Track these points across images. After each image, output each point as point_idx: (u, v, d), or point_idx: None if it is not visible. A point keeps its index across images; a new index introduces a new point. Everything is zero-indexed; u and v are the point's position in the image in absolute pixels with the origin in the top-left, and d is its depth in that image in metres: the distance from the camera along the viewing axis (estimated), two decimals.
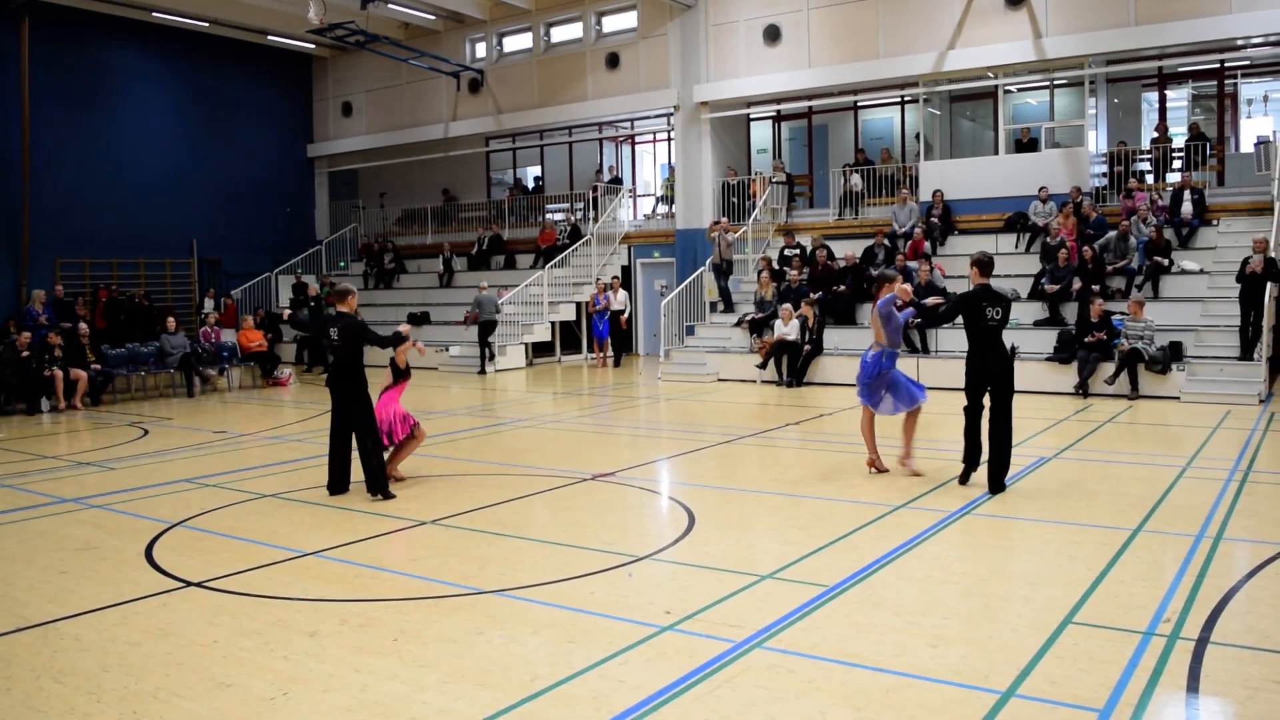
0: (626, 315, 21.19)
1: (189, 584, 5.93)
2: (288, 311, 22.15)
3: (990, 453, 7.90)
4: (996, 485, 7.87)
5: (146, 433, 12.66)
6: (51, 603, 5.66)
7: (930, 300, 10.00)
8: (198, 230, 25.34)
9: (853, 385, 15.59)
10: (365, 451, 8.09)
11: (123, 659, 4.73)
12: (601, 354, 21.01)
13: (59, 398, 15.05)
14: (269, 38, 26.00)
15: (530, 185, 26.75)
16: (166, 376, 17.39)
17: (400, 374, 8.71)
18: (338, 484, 8.27)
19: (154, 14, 23.62)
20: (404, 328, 8.81)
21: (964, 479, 8.16)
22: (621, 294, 21.02)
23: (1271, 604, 5.18)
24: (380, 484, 8.12)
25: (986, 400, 7.99)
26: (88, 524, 7.62)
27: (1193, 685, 4.16)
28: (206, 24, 24.59)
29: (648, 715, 3.98)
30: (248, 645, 4.87)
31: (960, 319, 8.17)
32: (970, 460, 8.16)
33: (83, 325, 17.10)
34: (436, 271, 24.98)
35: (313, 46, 26.98)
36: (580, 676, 4.37)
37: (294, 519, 7.66)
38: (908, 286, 9.22)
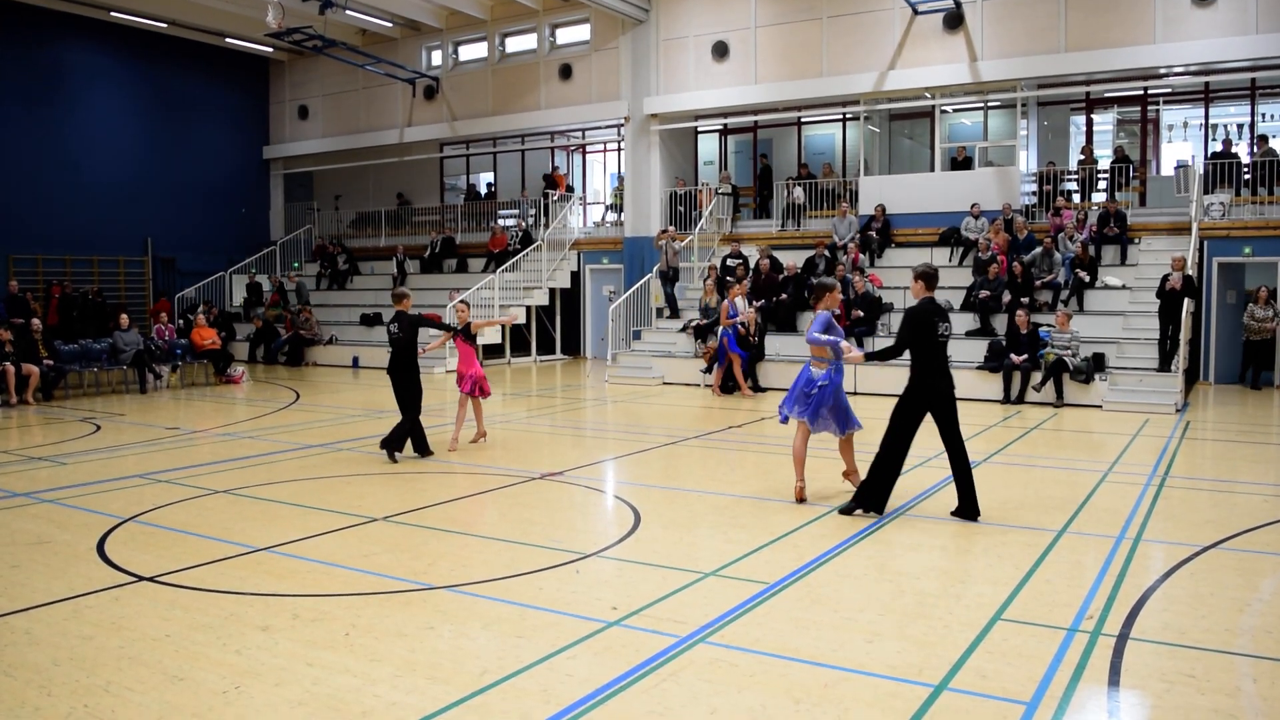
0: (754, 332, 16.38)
1: (141, 578, 5.89)
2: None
3: (964, 482, 7.28)
4: (975, 511, 7.26)
5: (99, 428, 12.43)
6: (2, 597, 5.58)
7: (881, 347, 8.37)
8: (152, 229, 25.05)
9: None
10: (412, 423, 9.95)
11: (74, 653, 4.70)
12: (744, 379, 15.77)
13: (11, 393, 14.74)
14: (227, 40, 25.72)
15: (484, 191, 26.73)
16: (119, 373, 17.11)
17: (470, 340, 10.52)
18: (421, 447, 10.10)
19: (112, 13, 23.21)
20: (476, 323, 10.64)
21: (853, 509, 7.40)
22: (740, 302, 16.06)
23: (1187, 602, 5.39)
24: (425, 446, 10.12)
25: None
26: (40, 518, 7.51)
27: (1114, 679, 4.33)
28: (165, 25, 24.27)
29: (594, 708, 4.03)
30: (200, 639, 4.86)
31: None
32: (875, 500, 7.31)
33: (35, 321, 16.81)
34: (390, 273, 24.86)
35: (271, 50, 26.67)
36: (529, 670, 4.43)
37: (246, 514, 7.63)
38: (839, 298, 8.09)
